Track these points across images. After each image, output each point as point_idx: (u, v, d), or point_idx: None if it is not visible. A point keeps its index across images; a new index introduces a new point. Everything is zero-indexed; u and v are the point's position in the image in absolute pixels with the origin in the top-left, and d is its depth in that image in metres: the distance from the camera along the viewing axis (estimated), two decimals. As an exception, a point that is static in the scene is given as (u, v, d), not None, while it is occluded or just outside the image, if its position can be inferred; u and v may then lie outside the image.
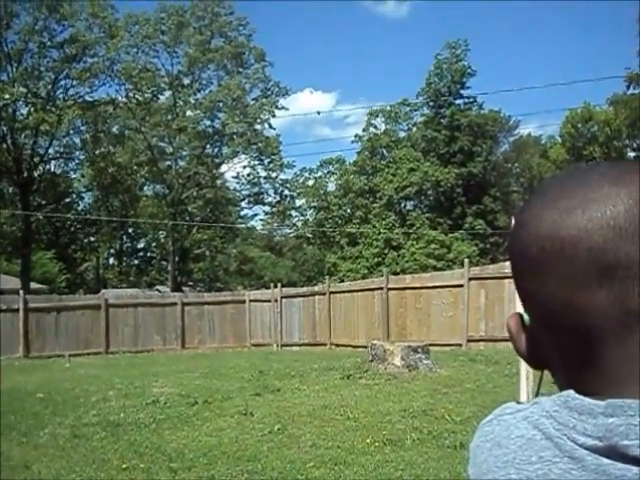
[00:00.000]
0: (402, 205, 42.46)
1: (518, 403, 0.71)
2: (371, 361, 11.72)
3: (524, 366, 2.26)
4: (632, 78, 37.45)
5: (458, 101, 40.30)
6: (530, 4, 69.92)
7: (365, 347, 13.31)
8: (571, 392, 0.64)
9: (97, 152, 38.89)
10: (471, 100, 40.49)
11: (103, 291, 25.38)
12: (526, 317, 0.72)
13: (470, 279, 16.14)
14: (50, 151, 38.71)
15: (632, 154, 45.45)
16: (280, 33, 73.51)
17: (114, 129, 39.60)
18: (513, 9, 67.55)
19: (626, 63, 57.25)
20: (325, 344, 19.92)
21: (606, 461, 0.59)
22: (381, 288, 18.23)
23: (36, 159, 37.44)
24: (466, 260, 17.63)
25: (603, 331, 0.63)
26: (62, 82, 37.06)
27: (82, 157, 40.71)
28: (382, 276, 19.03)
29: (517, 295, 0.74)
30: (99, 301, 21.72)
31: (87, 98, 37.61)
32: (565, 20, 73.27)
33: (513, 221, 0.73)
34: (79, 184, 42.72)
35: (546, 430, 0.63)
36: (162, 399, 9.97)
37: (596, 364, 0.64)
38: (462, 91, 40.30)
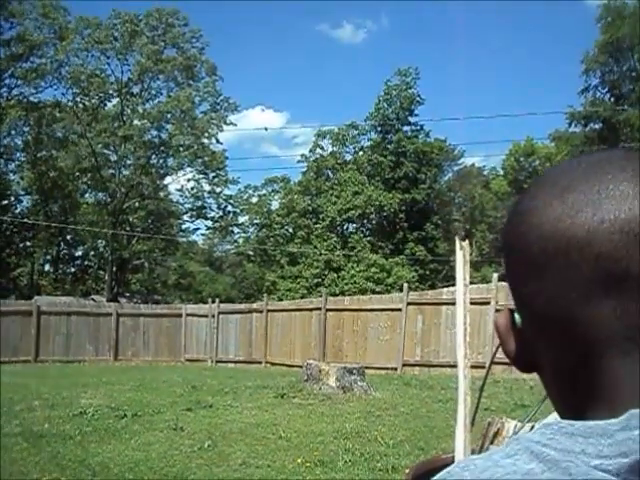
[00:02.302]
0: (344, 227, 42.61)
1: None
2: (306, 381, 11.66)
3: (462, 389, 2.23)
4: (574, 116, 38.58)
5: (405, 128, 40.75)
6: (481, 38, 71.65)
7: (300, 367, 13.25)
8: (562, 421, 0.56)
9: (39, 155, 38.08)
10: (418, 128, 41.03)
11: (36, 298, 24.68)
12: (517, 317, 0.65)
13: (408, 304, 16.25)
14: (-11, 151, 37.76)
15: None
16: (236, 50, 73.40)
17: (58, 133, 38.82)
18: (465, 42, 68.88)
19: (569, 101, 58.97)
20: (260, 362, 19.77)
21: None
22: (319, 308, 18.21)
23: (-27, 158, 36.46)
24: (405, 285, 17.75)
25: (605, 344, 0.57)
26: (6, 81, 36.26)
27: (23, 159, 39.82)
28: (321, 297, 19.03)
29: (511, 295, 0.66)
30: (31, 307, 21.14)
31: (32, 99, 36.89)
32: (514, 56, 75.10)
33: (512, 207, 0.66)
34: (18, 187, 41.70)
35: (547, 458, 0.53)
36: (90, 411, 9.72)
37: (593, 379, 0.58)
38: (410, 118, 40.77)
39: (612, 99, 38.14)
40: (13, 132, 37.72)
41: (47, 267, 46.89)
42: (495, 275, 15.08)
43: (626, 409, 0.53)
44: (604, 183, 0.58)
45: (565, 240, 0.58)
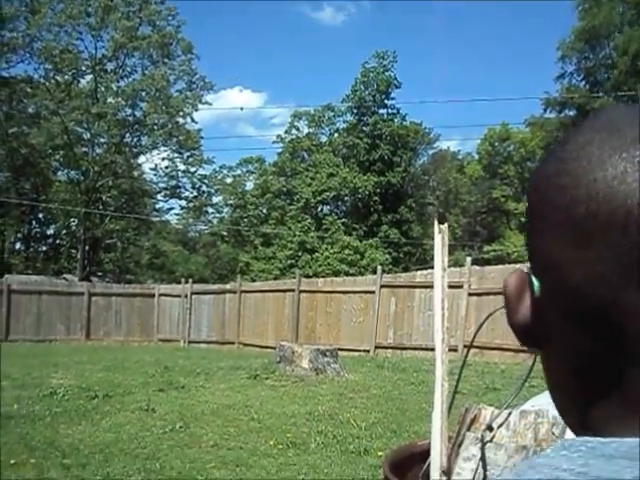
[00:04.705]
0: (319, 209, 42.63)
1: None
2: (279, 362, 11.65)
3: (440, 374, 2.21)
4: (549, 102, 38.80)
5: (382, 111, 40.73)
6: (460, 23, 71.67)
7: (273, 348, 13.25)
8: (588, 439, 0.46)
9: (10, 131, 37.52)
10: (394, 111, 41.03)
11: (6, 276, 24.38)
12: (536, 285, 0.53)
13: (382, 286, 16.27)
14: (-41, 126, 37.17)
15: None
16: (216, 30, 73.01)
17: (30, 109, 38.28)
18: (443, 27, 68.84)
19: (545, 87, 59.27)
20: (233, 343, 19.75)
21: None
22: (293, 290, 18.20)
23: (-57, 134, 35.85)
24: (379, 267, 17.76)
25: None
26: (-24, 55, 35.66)
27: (-7, 135, 39.26)
28: (295, 278, 19.01)
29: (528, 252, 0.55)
30: (1, 286, 20.88)
31: (3, 74, 36.31)
32: (491, 41, 75.24)
33: (552, 151, 0.54)
34: (-12, 163, 41.15)
35: None
36: (60, 391, 9.63)
37: (621, 380, 0.48)
38: (386, 101, 40.76)
39: (587, 86, 38.38)
40: (-17, 108, 37.12)
41: (18, 245, 46.34)
42: (468, 259, 15.14)
43: None
44: None
45: (624, 208, 0.46)
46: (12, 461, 6.07)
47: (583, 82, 38.79)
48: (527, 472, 0.46)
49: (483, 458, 2.07)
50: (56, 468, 5.91)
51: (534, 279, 0.53)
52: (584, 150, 0.50)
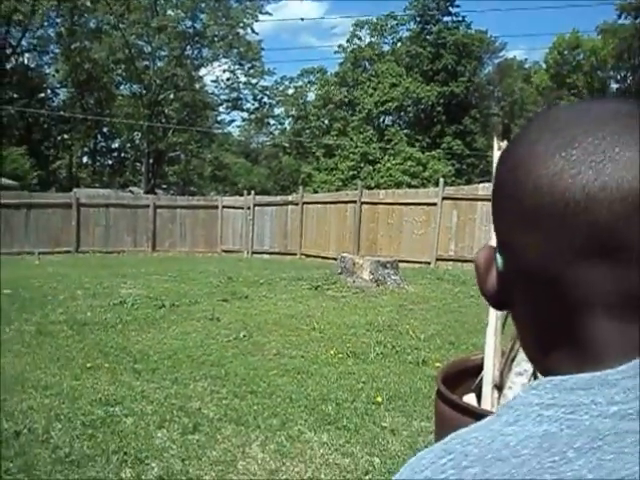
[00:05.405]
0: (381, 120, 42.10)
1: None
2: (340, 273, 11.82)
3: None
4: (624, 7, 36.87)
5: (446, 18, 39.59)
6: None
7: (335, 259, 13.41)
8: (552, 378, 0.56)
9: (73, 47, 37.75)
10: (459, 19, 39.76)
11: (75, 190, 24.99)
12: (499, 261, 0.62)
13: (444, 198, 16.16)
14: (23, 43, 37.52)
15: (615, 85, 45.30)
16: None
17: (91, 24, 38.34)
18: None
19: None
20: (295, 254, 20.01)
21: None
22: (354, 201, 18.21)
23: (8, 50, 36.23)
24: (441, 179, 17.57)
25: (593, 305, 0.55)
26: (38, -31, 35.62)
27: (57, 51, 39.56)
28: (356, 189, 18.99)
29: (493, 232, 0.64)
30: (70, 200, 21.46)
31: (64, -12, 36.31)
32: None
33: (510, 145, 0.62)
34: (54, 79, 41.61)
35: (559, 416, 0.53)
36: (130, 300, 10.00)
37: (575, 334, 0.57)
38: (451, 9, 39.50)
39: (667, -13, 36.27)
40: (46, 24, 37.33)
41: (85, 159, 47.29)
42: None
43: (611, 364, 0.54)
44: (612, 144, 0.55)
45: (563, 201, 0.55)
46: (88, 365, 6.41)
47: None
48: (508, 412, 0.56)
49: (535, 373, 2.11)
50: (128, 372, 6.22)
51: (498, 256, 0.63)
52: (533, 148, 0.58)
